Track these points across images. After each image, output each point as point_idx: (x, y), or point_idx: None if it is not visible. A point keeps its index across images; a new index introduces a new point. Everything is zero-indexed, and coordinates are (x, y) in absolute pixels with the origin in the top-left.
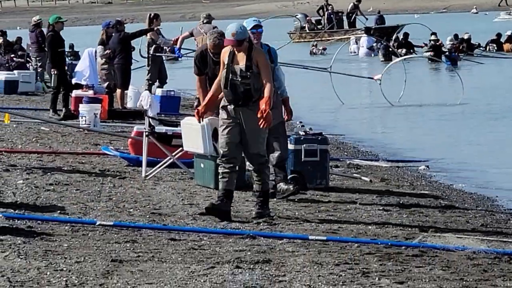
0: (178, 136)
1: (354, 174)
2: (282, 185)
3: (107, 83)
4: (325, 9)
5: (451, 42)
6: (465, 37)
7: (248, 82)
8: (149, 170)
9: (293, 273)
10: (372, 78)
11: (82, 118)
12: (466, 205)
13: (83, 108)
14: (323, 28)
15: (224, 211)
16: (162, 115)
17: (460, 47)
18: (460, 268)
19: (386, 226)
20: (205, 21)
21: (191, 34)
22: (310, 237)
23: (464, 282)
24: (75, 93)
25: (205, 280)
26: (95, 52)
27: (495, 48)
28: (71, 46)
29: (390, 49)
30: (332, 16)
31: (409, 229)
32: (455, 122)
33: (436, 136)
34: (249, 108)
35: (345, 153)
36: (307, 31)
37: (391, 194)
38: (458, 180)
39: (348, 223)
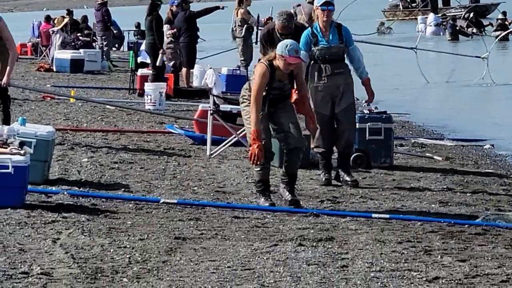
0: None
1: (427, 154)
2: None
3: (173, 62)
4: None
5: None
6: None
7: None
8: (213, 148)
9: (355, 251)
10: (479, 57)
11: (147, 96)
12: None
13: (148, 87)
14: (417, 6)
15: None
16: (228, 93)
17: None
18: None
19: (449, 204)
20: (308, 1)
21: (294, 13)
22: (373, 216)
23: None
24: (140, 71)
25: (268, 258)
26: None
27: None
28: (137, 25)
29: (457, 28)
30: None
31: (473, 207)
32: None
33: (503, 116)
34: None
35: (410, 132)
36: (401, 9)
37: (455, 173)
38: None
39: (411, 202)
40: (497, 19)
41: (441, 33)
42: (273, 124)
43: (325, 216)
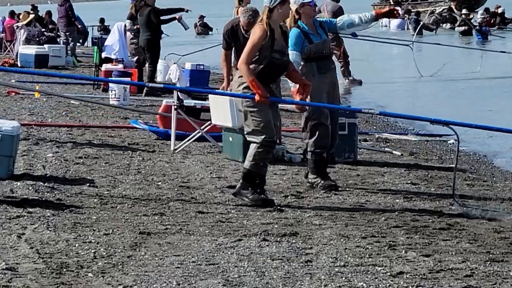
0: (207, 109)
1: (386, 149)
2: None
3: (137, 57)
4: None
5: (482, 16)
6: (499, 11)
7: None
8: (178, 143)
9: (319, 245)
10: (504, 52)
11: (112, 92)
12: (495, 178)
13: None
14: (407, 0)
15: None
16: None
17: (492, 21)
18: (487, 241)
19: (413, 199)
20: None
21: (319, 11)
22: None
23: (490, 255)
24: (105, 67)
25: (232, 253)
26: (124, 26)
27: None
28: (102, 20)
29: (421, 22)
30: None
31: (437, 202)
32: (486, 96)
33: (467, 110)
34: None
35: (374, 127)
36: (391, 2)
37: (419, 168)
38: (488, 154)
39: (375, 197)
40: (461, 14)
41: (405, 28)
42: None
43: (289, 211)
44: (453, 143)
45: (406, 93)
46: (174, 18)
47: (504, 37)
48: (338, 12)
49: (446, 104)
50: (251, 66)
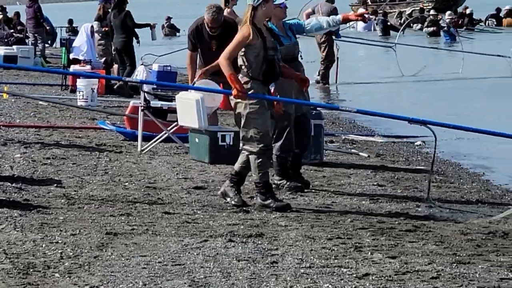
0: (174, 110)
1: (353, 150)
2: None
3: (104, 58)
4: None
5: (450, 17)
6: (467, 12)
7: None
8: (144, 144)
9: (285, 247)
10: (500, 56)
11: (79, 93)
12: (461, 180)
13: (80, 83)
14: (385, 0)
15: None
16: (159, 90)
17: (460, 22)
18: (454, 243)
19: (380, 201)
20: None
21: (313, 12)
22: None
23: (457, 257)
24: (73, 68)
25: (198, 253)
26: (91, 27)
27: (495, 23)
28: (70, 22)
29: (388, 24)
30: None
31: (403, 204)
32: (453, 97)
33: (434, 111)
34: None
35: (341, 128)
36: (369, 3)
37: (386, 170)
38: (454, 156)
39: (341, 198)
40: (429, 15)
41: (372, 28)
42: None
43: (255, 212)
44: (419, 144)
45: (386, 94)
46: (149, 25)
47: (473, 38)
48: (333, 13)
49: (426, 105)
50: (252, 70)
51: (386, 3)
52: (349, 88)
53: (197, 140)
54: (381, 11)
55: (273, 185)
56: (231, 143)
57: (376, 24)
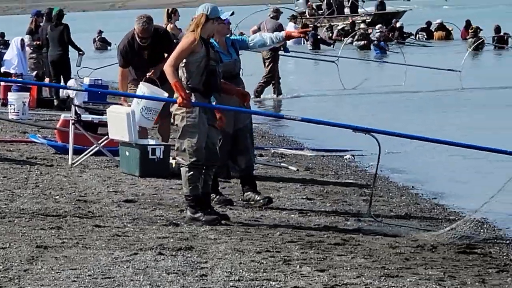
0: (104, 124)
1: (282, 164)
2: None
3: (36, 72)
4: None
5: (380, 31)
6: (397, 25)
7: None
8: (75, 158)
9: (214, 260)
10: (451, 70)
11: (10, 106)
12: (390, 194)
13: (11, 96)
14: (323, 14)
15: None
16: (89, 103)
17: (390, 35)
18: (382, 256)
19: (309, 214)
20: (272, 16)
21: (259, 29)
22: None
23: (385, 271)
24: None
25: (128, 266)
26: (21, 40)
27: (425, 36)
28: (2, 35)
29: (319, 37)
30: (332, 1)
31: (332, 217)
32: (396, 109)
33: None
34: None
35: (270, 142)
36: (307, 16)
37: (315, 183)
38: (384, 170)
39: (271, 211)
40: (359, 29)
41: (302, 42)
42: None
43: (185, 225)
44: (349, 158)
45: (330, 106)
46: (80, 50)
47: (402, 52)
48: (278, 29)
49: (368, 116)
50: (192, 80)
51: (324, 16)
52: (292, 102)
53: (127, 153)
54: (311, 25)
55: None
56: (161, 157)
57: (307, 38)
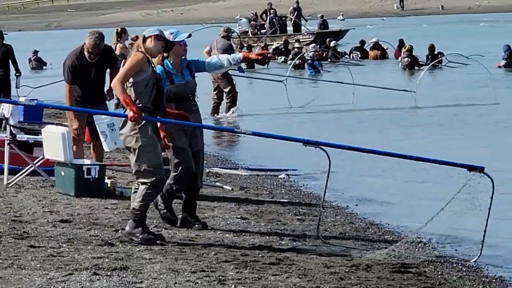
0: (40, 144)
1: (217, 183)
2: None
3: None
4: (268, 13)
5: (314, 50)
6: (331, 44)
7: None
8: (11, 178)
9: (150, 280)
10: (406, 91)
11: None
12: (325, 213)
13: None
14: (266, 33)
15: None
16: (25, 123)
17: (324, 55)
18: (317, 276)
19: (244, 234)
20: (222, 35)
21: (210, 49)
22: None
23: None
24: None
25: (63, 287)
26: None
27: (359, 55)
28: None
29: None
30: (274, 20)
31: (267, 237)
32: (343, 128)
33: (297, 144)
34: None
35: (205, 161)
36: (250, 36)
37: (250, 203)
38: (318, 189)
39: (206, 231)
40: (293, 48)
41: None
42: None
43: (120, 245)
44: (283, 178)
45: (280, 124)
46: (19, 72)
47: (335, 71)
48: (228, 49)
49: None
50: (141, 98)
51: (267, 36)
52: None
53: (63, 173)
54: (246, 44)
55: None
56: (96, 176)
57: (266, 60)
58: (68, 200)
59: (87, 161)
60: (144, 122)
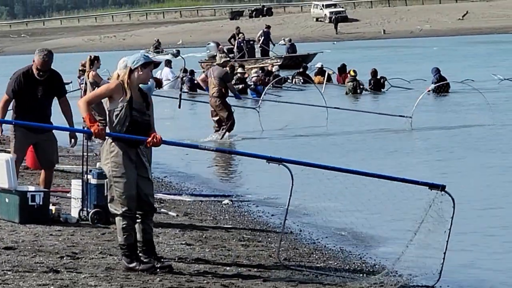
0: None
1: (162, 210)
2: None
3: None
4: (236, 38)
5: (256, 75)
6: (273, 69)
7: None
8: None
9: None
10: (403, 116)
11: None
12: (269, 239)
13: None
14: (234, 57)
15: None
16: None
17: (267, 80)
18: None
19: (188, 260)
20: (218, 63)
21: (206, 76)
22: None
23: None
24: None
25: None
26: None
27: (301, 80)
28: None
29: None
30: (242, 44)
31: (212, 263)
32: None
33: (242, 170)
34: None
35: None
36: (218, 60)
37: (194, 228)
38: (262, 215)
39: None
40: (236, 73)
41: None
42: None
43: (65, 272)
44: (227, 203)
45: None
46: None
47: (323, 95)
48: (225, 77)
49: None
50: (114, 127)
51: (235, 60)
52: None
53: (7, 200)
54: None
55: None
56: (41, 203)
57: (182, 82)
58: (13, 227)
59: (31, 188)
60: (116, 151)
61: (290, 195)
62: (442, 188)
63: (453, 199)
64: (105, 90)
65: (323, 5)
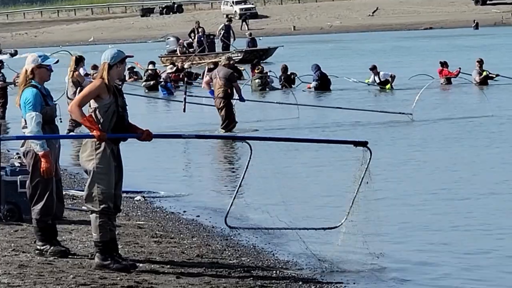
0: None
1: (83, 207)
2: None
3: None
4: (196, 32)
5: (168, 71)
6: (185, 66)
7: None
8: None
9: None
10: (403, 113)
11: None
12: (182, 235)
13: None
14: (194, 52)
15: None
16: None
17: (180, 76)
18: None
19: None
20: (224, 63)
21: (211, 78)
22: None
23: None
24: None
25: None
26: None
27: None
28: None
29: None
30: (202, 39)
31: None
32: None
33: (155, 167)
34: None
35: (62, 184)
36: (178, 54)
37: None
38: (175, 211)
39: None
40: (147, 69)
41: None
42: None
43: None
44: (139, 199)
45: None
46: None
47: (293, 93)
48: (230, 77)
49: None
50: (102, 124)
51: (196, 54)
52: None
53: None
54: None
55: (36, 251)
56: None
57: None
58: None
59: None
60: (103, 147)
61: (245, 173)
62: (364, 143)
63: (371, 153)
64: (93, 89)
65: (233, 2)
